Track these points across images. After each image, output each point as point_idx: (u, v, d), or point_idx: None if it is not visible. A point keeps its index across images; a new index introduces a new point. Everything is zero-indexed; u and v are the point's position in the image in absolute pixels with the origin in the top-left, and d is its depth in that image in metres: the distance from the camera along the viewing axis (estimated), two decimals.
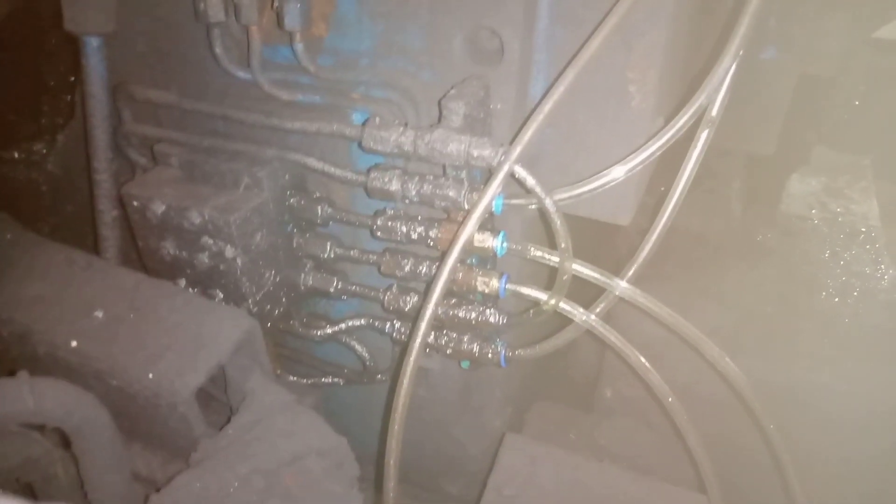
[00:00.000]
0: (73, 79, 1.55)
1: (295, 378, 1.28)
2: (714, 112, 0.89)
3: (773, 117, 1.85)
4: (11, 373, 0.87)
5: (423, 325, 0.89)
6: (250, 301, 1.04)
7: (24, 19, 1.50)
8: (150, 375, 0.94)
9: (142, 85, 1.14)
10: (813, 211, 2.50)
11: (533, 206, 0.93)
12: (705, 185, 1.98)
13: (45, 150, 1.47)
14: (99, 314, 1.01)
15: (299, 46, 1.01)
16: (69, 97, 1.69)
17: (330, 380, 1.27)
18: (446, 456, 1.40)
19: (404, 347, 1.10)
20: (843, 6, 1.66)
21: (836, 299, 1.63)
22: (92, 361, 0.97)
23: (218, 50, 1.05)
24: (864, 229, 1.94)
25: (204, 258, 1.02)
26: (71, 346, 0.98)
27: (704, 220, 1.89)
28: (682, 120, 0.87)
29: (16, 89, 1.61)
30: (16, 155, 1.50)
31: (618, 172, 0.89)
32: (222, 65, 1.06)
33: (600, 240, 1.71)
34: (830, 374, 1.41)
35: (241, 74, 1.07)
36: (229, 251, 0.99)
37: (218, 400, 1.08)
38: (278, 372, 1.28)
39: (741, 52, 0.87)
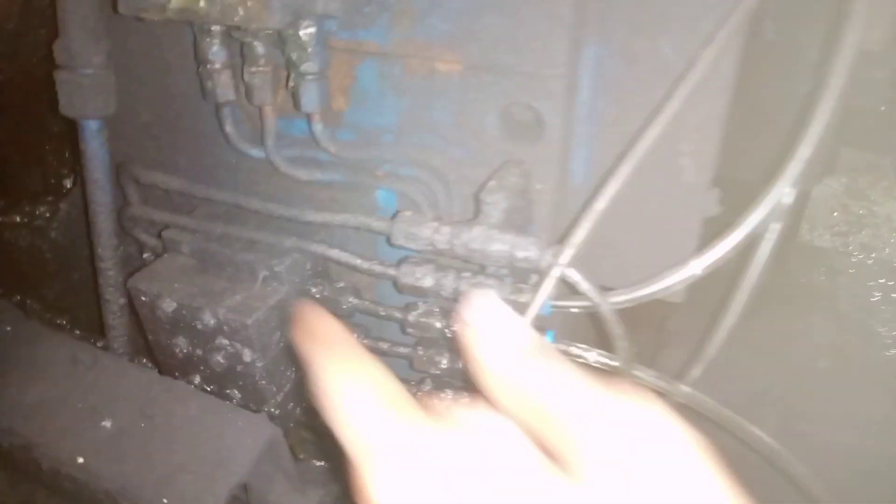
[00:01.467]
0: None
1: (320, 463, 1.19)
2: (788, 200, 0.79)
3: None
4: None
5: None
6: (271, 403, 0.95)
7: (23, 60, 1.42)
8: (165, 501, 0.85)
9: (146, 166, 1.05)
10: (835, 214, 2.38)
11: (579, 310, 0.83)
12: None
13: (48, 215, 1.39)
14: (107, 424, 0.93)
15: (318, 127, 0.91)
16: (74, 146, 1.61)
17: None
18: None
19: None
20: None
21: (893, 351, 1.53)
22: (100, 481, 0.89)
23: (228, 129, 0.96)
24: None
25: (219, 359, 0.93)
26: (77, 463, 0.90)
27: (740, 259, 1.79)
28: (758, 215, 0.77)
29: (18, 134, 1.54)
30: (18, 219, 1.42)
31: (676, 278, 0.79)
32: (233, 144, 0.97)
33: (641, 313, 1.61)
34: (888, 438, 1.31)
35: (255, 153, 0.98)
36: (247, 355, 0.90)
37: None
38: (301, 457, 1.20)
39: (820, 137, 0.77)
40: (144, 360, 1.11)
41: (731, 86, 0.87)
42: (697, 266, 0.79)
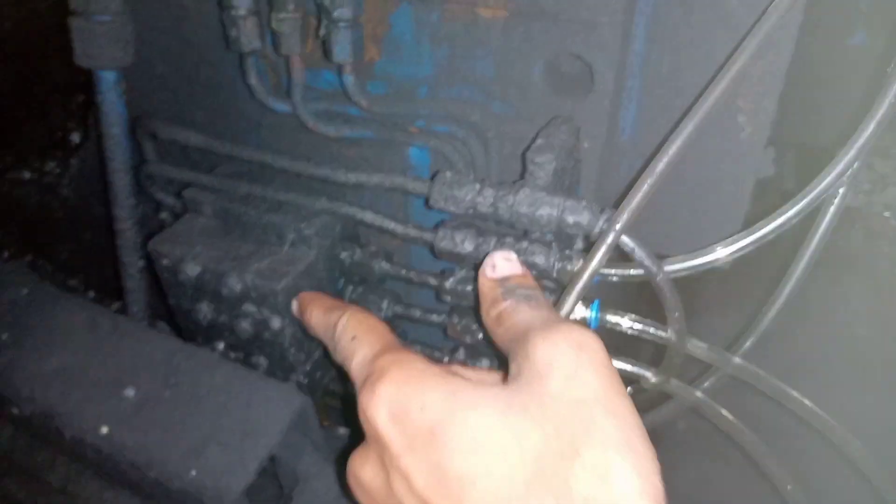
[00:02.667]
0: (83, 79, 1.41)
1: (346, 430, 1.16)
2: (856, 165, 0.72)
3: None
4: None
5: None
6: (300, 371, 0.91)
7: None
8: (193, 472, 0.82)
9: (165, 120, 0.99)
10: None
11: (634, 278, 0.78)
12: (774, 183, 1.81)
13: (58, 171, 1.33)
14: (130, 393, 0.89)
15: (349, 79, 0.85)
16: (81, 98, 1.55)
17: None
18: None
19: None
20: None
21: None
22: (126, 452, 0.85)
23: (253, 80, 0.89)
24: None
25: (246, 326, 0.89)
26: (101, 434, 0.86)
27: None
28: (825, 182, 0.71)
29: (22, 85, 1.48)
30: (27, 175, 1.36)
31: (738, 244, 0.74)
32: (258, 96, 0.91)
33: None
34: None
35: (281, 107, 0.91)
36: (275, 322, 0.85)
37: (268, 478, 0.96)
38: (326, 423, 1.16)
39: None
40: (164, 325, 1.07)
41: (795, 38, 0.80)
42: (762, 232, 0.73)
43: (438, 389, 0.48)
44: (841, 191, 0.75)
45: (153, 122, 0.97)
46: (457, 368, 0.65)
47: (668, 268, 0.75)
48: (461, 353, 0.94)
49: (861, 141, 0.70)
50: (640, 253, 0.73)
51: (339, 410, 1.18)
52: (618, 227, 0.71)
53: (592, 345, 0.48)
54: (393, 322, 0.97)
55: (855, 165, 0.72)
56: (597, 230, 0.73)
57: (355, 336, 0.60)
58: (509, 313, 0.55)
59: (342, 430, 1.17)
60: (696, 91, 0.75)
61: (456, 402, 0.46)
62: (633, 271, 0.76)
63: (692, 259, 0.75)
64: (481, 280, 0.61)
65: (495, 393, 0.47)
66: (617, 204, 0.72)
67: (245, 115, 0.99)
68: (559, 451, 0.42)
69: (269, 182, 0.91)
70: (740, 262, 0.85)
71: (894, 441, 1.29)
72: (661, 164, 0.70)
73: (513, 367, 0.50)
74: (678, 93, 0.87)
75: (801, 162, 1.87)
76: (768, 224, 0.73)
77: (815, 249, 0.78)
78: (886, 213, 1.87)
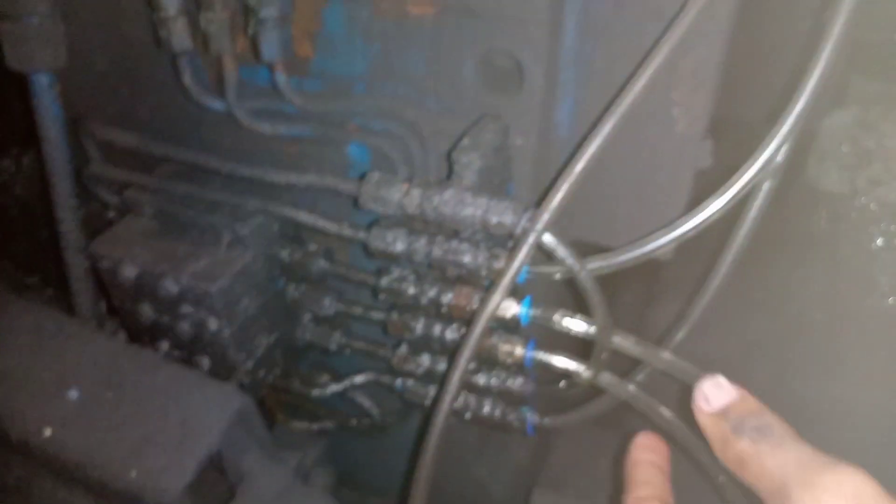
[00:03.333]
0: None
1: (300, 424, 1.17)
2: (780, 157, 0.72)
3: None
4: None
5: (439, 419, 0.77)
6: (241, 371, 0.92)
7: None
8: (134, 473, 0.83)
9: (106, 120, 0.99)
10: (843, 147, 2.31)
11: (559, 276, 0.78)
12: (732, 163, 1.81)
13: (13, 170, 1.33)
14: (73, 394, 0.90)
15: (281, 77, 0.85)
16: None
17: (337, 425, 1.16)
18: (468, 498, 1.31)
19: (420, 408, 0.98)
20: None
21: (891, 300, 1.49)
22: (69, 453, 0.86)
23: (187, 80, 0.89)
24: None
25: (186, 326, 0.89)
26: (45, 436, 0.87)
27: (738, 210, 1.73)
28: (747, 176, 0.71)
29: None
30: None
31: (659, 241, 0.74)
32: (193, 97, 0.90)
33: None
34: (887, 395, 1.28)
35: (216, 105, 0.91)
36: (213, 323, 0.86)
37: (214, 474, 0.97)
38: (280, 418, 1.18)
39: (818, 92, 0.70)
40: (112, 324, 1.07)
41: (728, 30, 0.80)
42: (683, 228, 0.73)
43: None
44: (766, 185, 0.75)
45: (92, 123, 0.97)
46: None
47: (591, 266, 0.75)
48: (404, 348, 0.95)
49: (783, 131, 0.70)
50: (561, 251, 0.73)
51: (294, 406, 1.19)
52: (538, 226, 0.71)
53: (868, 491, 0.43)
54: (336, 319, 0.98)
55: (778, 158, 0.73)
56: (519, 229, 0.74)
57: None
58: (751, 456, 0.50)
59: (297, 424, 1.18)
60: None
61: None
62: (560, 269, 0.77)
63: (613, 257, 0.76)
64: (699, 418, 0.57)
65: None
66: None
67: (186, 112, 0.98)
68: None
69: (208, 182, 0.92)
70: (697, 247, 0.86)
71: (847, 424, 1.31)
72: (579, 165, 0.71)
73: None
74: (614, 86, 0.86)
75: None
76: (691, 219, 0.74)
77: (741, 242, 0.78)
78: (863, 199, 1.87)
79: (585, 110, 0.89)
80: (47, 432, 0.88)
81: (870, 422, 1.29)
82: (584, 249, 1.03)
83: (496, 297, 0.73)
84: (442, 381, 0.80)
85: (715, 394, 0.56)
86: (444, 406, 0.77)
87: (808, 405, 1.32)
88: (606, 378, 0.84)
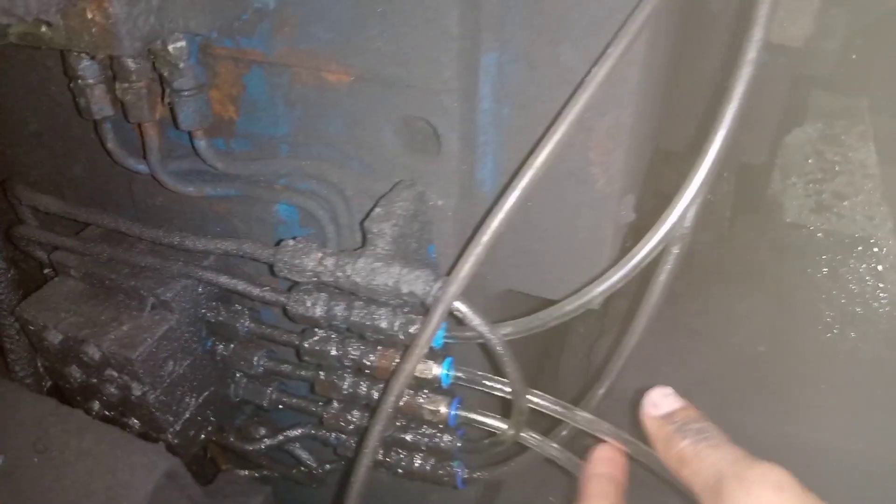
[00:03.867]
0: None
1: (242, 473, 1.17)
2: (687, 224, 0.74)
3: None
4: None
5: (358, 481, 0.78)
6: (169, 432, 0.92)
7: None
8: None
9: (31, 183, 0.99)
10: (809, 161, 2.34)
11: (474, 339, 0.80)
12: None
13: None
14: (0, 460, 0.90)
15: (201, 143, 0.86)
16: None
17: (279, 474, 1.16)
18: None
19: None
20: None
21: (836, 330, 1.51)
22: None
23: (110, 145, 0.89)
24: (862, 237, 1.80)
25: (113, 389, 0.89)
26: None
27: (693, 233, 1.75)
28: (652, 243, 0.72)
29: None
30: None
31: (570, 305, 0.76)
32: (117, 160, 0.91)
33: None
34: (828, 428, 1.30)
35: (141, 168, 0.92)
36: (136, 388, 0.86)
37: None
38: (224, 467, 1.18)
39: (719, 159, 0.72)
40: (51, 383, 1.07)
41: (638, 93, 0.82)
42: (591, 296, 0.75)
43: None
44: (675, 250, 0.76)
45: (17, 186, 0.97)
46: None
47: (503, 332, 0.77)
48: (335, 405, 0.95)
49: (694, 187, 0.71)
50: (472, 319, 0.74)
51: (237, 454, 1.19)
52: (447, 296, 0.73)
53: (788, 482, 0.48)
54: (266, 377, 0.98)
55: (690, 214, 0.74)
56: (430, 299, 0.75)
57: None
58: (691, 455, 0.55)
59: (240, 473, 1.18)
60: None
61: None
62: (469, 334, 0.78)
63: (525, 324, 0.77)
64: (645, 421, 0.61)
65: None
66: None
67: (118, 172, 0.99)
68: None
69: (134, 244, 0.92)
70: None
71: (788, 457, 1.33)
72: (485, 236, 0.72)
73: None
74: (532, 145, 0.88)
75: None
76: (600, 286, 0.75)
77: (652, 306, 0.80)
78: (811, 228, 1.90)
79: (507, 168, 0.91)
80: None
81: (811, 454, 1.31)
82: (521, 298, 1.05)
83: (409, 364, 0.74)
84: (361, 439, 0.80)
85: (662, 401, 0.61)
86: (362, 469, 0.78)
87: (751, 437, 1.34)
88: (528, 437, 0.85)
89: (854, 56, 1.99)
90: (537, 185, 0.73)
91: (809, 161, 2.38)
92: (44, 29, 0.69)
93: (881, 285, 1.63)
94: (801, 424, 1.33)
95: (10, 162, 1.00)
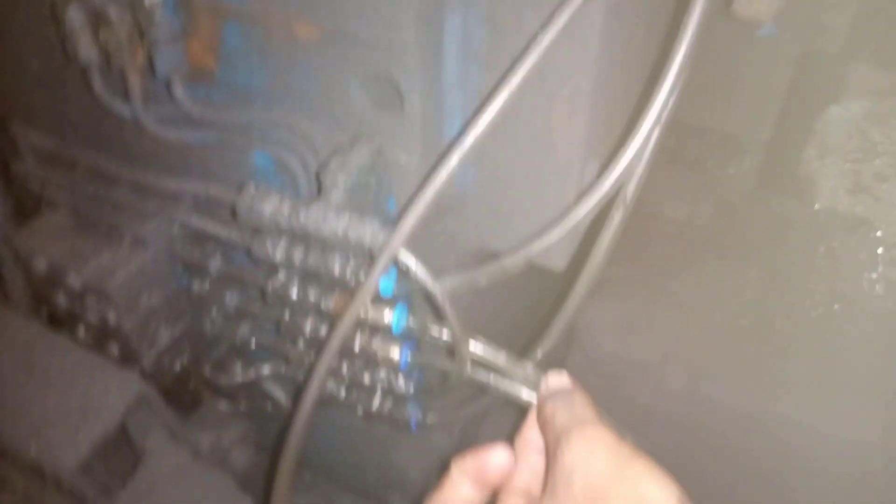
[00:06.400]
0: None
1: (222, 405, 1.25)
2: (629, 193, 0.76)
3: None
4: None
5: (302, 416, 0.84)
6: (145, 360, 0.99)
7: None
8: (33, 449, 0.91)
9: (29, 122, 1.05)
10: (851, 139, 2.29)
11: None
12: (699, 165, 1.83)
13: None
14: None
15: (177, 90, 0.90)
16: None
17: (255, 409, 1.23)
18: (388, 478, 1.38)
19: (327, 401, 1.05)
20: None
21: (822, 309, 1.51)
22: None
23: (97, 90, 0.95)
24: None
25: (92, 317, 0.96)
26: None
27: (690, 206, 1.75)
28: (593, 200, 0.75)
29: None
30: None
31: (515, 261, 0.79)
32: (104, 104, 0.96)
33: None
34: (799, 405, 1.31)
35: (125, 112, 0.97)
36: (112, 316, 0.93)
37: (125, 452, 1.05)
38: (206, 399, 1.25)
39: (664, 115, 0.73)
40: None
41: (596, 60, 0.83)
42: (528, 251, 0.78)
43: None
44: (616, 215, 0.78)
45: (14, 123, 1.03)
46: None
47: (447, 284, 0.81)
48: (301, 344, 1.01)
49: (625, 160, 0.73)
50: (415, 269, 0.78)
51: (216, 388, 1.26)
52: (392, 245, 0.77)
53: (605, 435, 0.51)
54: (237, 316, 1.04)
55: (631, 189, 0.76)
56: (376, 248, 0.79)
57: None
58: (552, 416, 0.58)
59: (220, 406, 1.26)
60: None
61: None
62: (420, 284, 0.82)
63: (467, 275, 0.81)
64: (538, 398, 0.65)
65: None
66: None
67: (107, 115, 1.04)
68: None
69: (117, 183, 0.98)
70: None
71: (757, 428, 1.35)
72: (429, 192, 0.75)
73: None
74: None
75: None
76: (547, 234, 0.78)
77: (600, 261, 0.82)
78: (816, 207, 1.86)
79: None
80: None
81: (779, 429, 1.33)
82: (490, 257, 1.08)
83: (354, 306, 0.79)
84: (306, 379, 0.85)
85: (554, 380, 0.65)
86: (306, 404, 0.83)
87: (720, 410, 1.36)
88: (480, 376, 0.88)
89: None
90: (484, 144, 0.75)
91: (850, 140, 2.31)
92: None
93: (879, 268, 1.62)
94: (773, 399, 1.34)
95: (11, 101, 1.05)
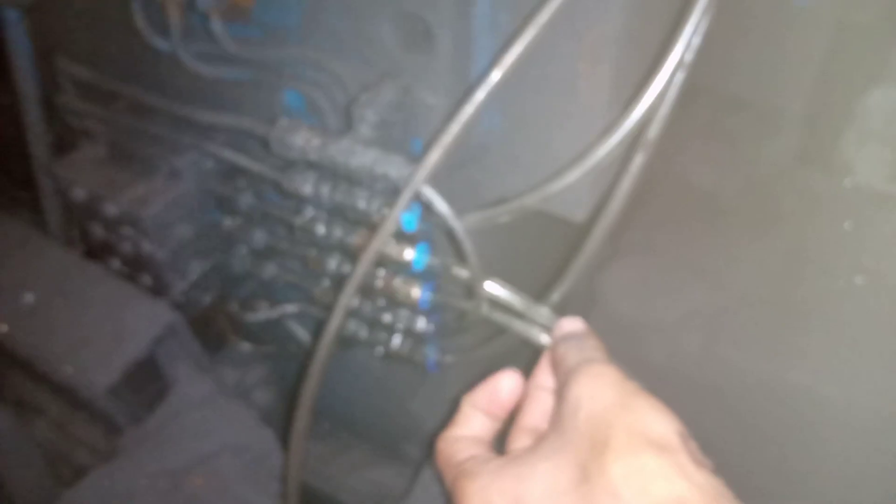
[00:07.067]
0: None
1: (246, 346, 1.29)
2: (651, 134, 0.77)
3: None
4: None
5: (323, 348, 0.86)
6: (175, 291, 1.02)
7: None
8: (69, 369, 0.95)
9: (71, 55, 1.08)
10: (892, 126, 2.25)
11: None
12: (733, 139, 1.82)
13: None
14: (30, 298, 1.02)
15: (216, 25, 0.92)
16: None
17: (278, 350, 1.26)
18: (404, 427, 1.41)
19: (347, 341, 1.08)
20: None
21: (842, 282, 1.50)
22: (19, 347, 0.99)
23: (139, 23, 0.97)
24: None
25: (127, 246, 1.00)
26: (2, 331, 1.00)
27: (720, 177, 1.75)
28: (614, 141, 0.76)
29: None
30: None
31: (533, 198, 0.81)
32: (144, 37, 0.99)
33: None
34: (814, 374, 1.32)
35: (164, 46, 0.99)
36: (146, 245, 0.96)
37: (154, 378, 1.09)
38: (231, 339, 1.29)
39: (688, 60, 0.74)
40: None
41: (624, 6, 0.84)
42: (547, 191, 0.80)
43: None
44: (640, 157, 0.79)
45: (58, 57, 1.06)
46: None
47: (470, 219, 0.82)
48: (326, 282, 1.04)
49: (647, 100, 0.74)
50: (438, 205, 0.80)
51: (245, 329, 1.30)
52: (417, 179, 0.78)
53: (611, 372, 0.52)
54: (266, 253, 1.07)
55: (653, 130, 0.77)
56: (401, 182, 0.81)
57: None
58: (563, 356, 0.60)
59: (244, 346, 1.30)
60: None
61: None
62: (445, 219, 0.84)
63: (490, 210, 0.82)
64: (553, 337, 0.68)
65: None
66: None
67: (147, 51, 1.07)
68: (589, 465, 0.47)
69: (155, 117, 1.01)
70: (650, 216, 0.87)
71: (770, 395, 1.35)
72: (455, 127, 0.76)
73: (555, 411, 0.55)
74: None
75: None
76: (564, 177, 0.79)
77: (622, 201, 0.83)
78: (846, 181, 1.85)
79: None
80: (4, 328, 1.00)
81: (793, 397, 1.34)
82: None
83: (376, 241, 0.81)
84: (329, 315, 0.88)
85: (568, 324, 0.68)
86: (329, 336, 0.86)
87: (736, 375, 1.37)
88: (497, 316, 0.90)
89: None
90: (510, 87, 0.77)
91: (891, 126, 2.27)
92: None
93: None
94: (789, 367, 1.35)
95: (56, 34, 1.08)
